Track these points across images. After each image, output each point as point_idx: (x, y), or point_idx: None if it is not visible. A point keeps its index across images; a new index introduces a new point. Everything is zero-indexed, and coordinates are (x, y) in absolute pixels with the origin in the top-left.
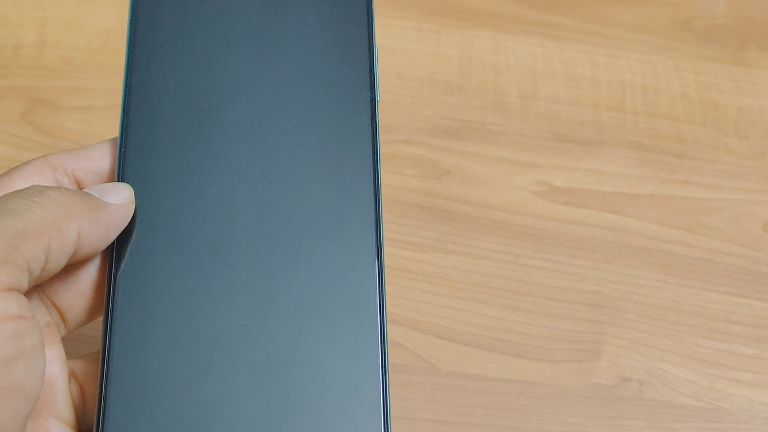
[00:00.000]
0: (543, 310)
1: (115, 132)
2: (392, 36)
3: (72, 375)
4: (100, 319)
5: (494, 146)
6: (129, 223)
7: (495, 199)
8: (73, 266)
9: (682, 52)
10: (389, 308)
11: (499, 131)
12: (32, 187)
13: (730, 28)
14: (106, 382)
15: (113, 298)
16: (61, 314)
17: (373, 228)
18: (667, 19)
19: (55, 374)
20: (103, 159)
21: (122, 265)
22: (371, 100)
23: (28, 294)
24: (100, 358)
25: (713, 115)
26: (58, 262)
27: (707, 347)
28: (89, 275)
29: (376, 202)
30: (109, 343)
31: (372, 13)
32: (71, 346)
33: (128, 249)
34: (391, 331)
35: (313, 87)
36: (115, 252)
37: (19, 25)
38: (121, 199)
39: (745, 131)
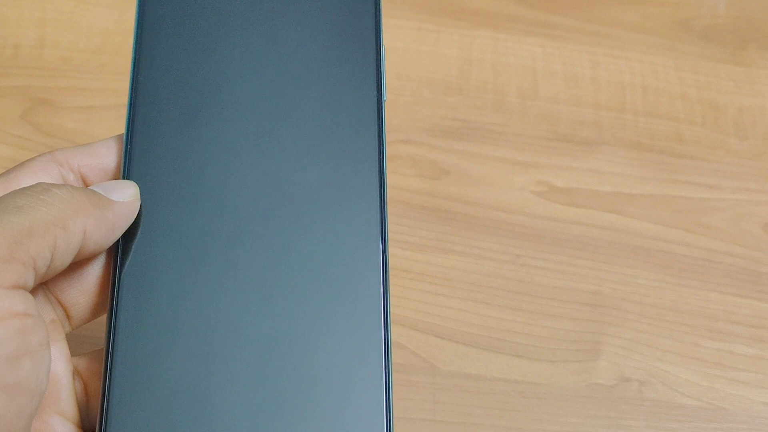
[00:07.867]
0: (543, 310)
1: (114, 131)
2: (392, 36)
3: (76, 372)
4: (104, 317)
5: (494, 146)
6: (134, 221)
7: (495, 199)
8: (78, 264)
9: (682, 52)
10: None
11: (499, 131)
12: (38, 184)
13: (730, 28)
14: (110, 379)
15: (118, 296)
16: (66, 311)
17: (378, 228)
18: (667, 19)
19: (59, 371)
20: (109, 156)
21: (127, 263)
22: (378, 99)
23: (33, 291)
24: (104, 355)
25: (713, 115)
26: (64, 259)
27: (707, 347)
28: (94, 273)
29: (381, 201)
30: (113, 340)
31: (380, 11)
32: (74, 344)
33: (133, 247)
34: (392, 331)
35: (321, 85)
36: (120, 249)
37: (18, 24)
38: (127, 196)
39: (745, 131)
